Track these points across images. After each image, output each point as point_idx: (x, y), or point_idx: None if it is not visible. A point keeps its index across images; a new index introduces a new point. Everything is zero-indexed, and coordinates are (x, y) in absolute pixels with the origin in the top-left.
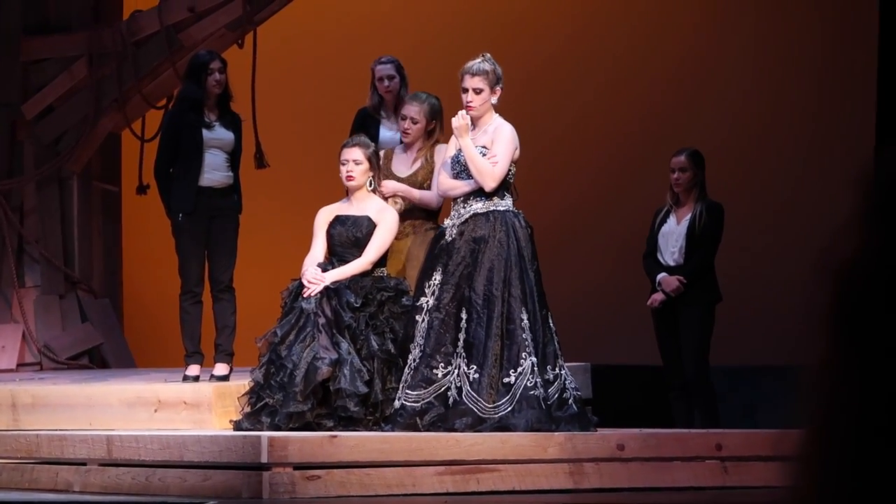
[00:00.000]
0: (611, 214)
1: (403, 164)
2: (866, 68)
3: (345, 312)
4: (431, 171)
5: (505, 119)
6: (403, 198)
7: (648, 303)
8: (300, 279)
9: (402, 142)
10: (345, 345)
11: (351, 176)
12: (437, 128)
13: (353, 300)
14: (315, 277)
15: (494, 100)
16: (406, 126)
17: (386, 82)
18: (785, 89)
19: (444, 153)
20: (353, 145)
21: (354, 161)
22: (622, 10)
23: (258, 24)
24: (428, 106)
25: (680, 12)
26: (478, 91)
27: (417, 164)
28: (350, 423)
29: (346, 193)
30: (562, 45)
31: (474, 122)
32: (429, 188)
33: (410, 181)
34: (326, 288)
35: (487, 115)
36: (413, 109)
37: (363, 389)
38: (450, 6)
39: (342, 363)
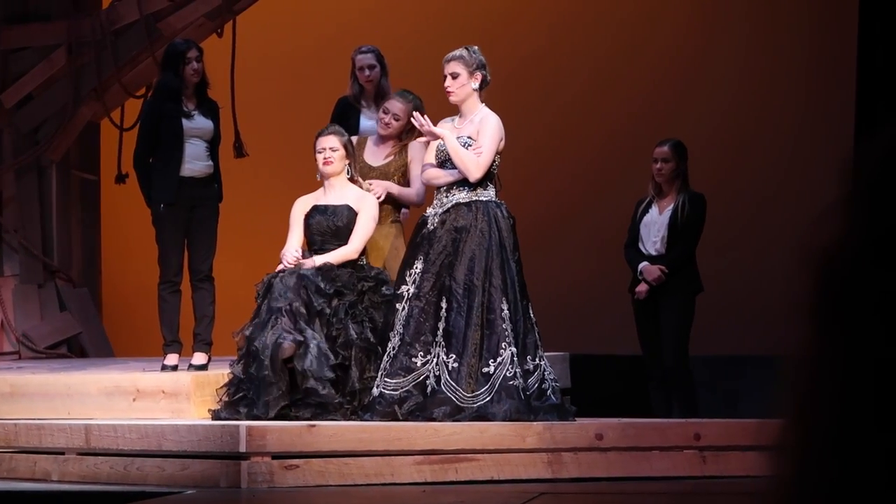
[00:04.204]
0: (592, 207)
1: (375, 155)
2: (847, 65)
3: (315, 299)
4: (403, 164)
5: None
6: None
7: (635, 294)
8: (273, 273)
9: (379, 134)
10: (309, 331)
11: (329, 160)
12: (413, 127)
13: (324, 286)
14: (292, 262)
15: (475, 84)
16: (388, 120)
17: (367, 71)
18: (769, 85)
19: (418, 150)
20: (329, 133)
21: (331, 148)
22: (609, 4)
23: (237, 14)
24: (413, 107)
25: (667, 7)
26: (455, 76)
27: (390, 158)
28: (324, 410)
29: (321, 184)
30: (547, 38)
31: (459, 109)
32: (399, 181)
33: (381, 171)
34: (298, 276)
35: (473, 104)
36: (398, 107)
37: (329, 374)
38: None
39: (306, 344)
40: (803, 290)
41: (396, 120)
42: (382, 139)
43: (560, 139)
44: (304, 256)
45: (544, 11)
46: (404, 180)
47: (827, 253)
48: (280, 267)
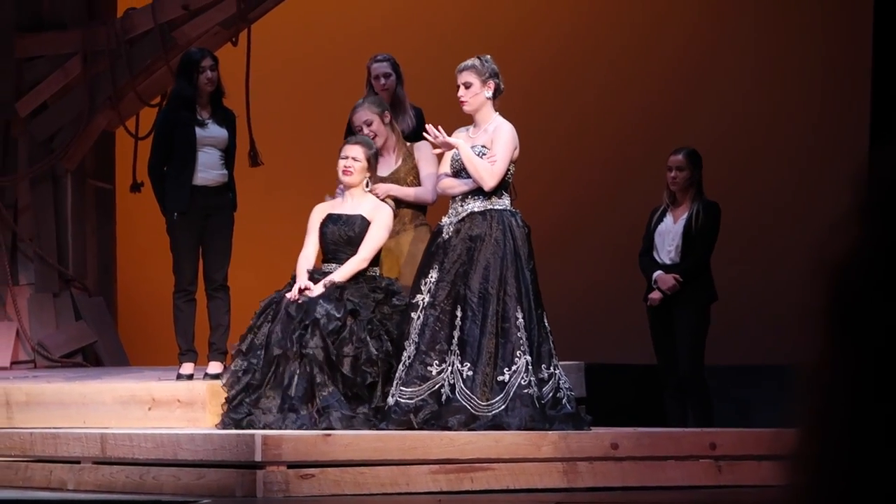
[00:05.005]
0: (607, 215)
1: (382, 165)
2: (862, 71)
3: (313, 338)
4: (413, 168)
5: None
6: (396, 198)
7: (648, 302)
8: (281, 292)
9: None
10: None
11: (348, 170)
12: (392, 117)
13: (329, 311)
14: (296, 294)
15: (488, 93)
16: (366, 132)
17: (382, 80)
18: (782, 91)
19: (425, 148)
20: (356, 143)
21: (354, 158)
22: (620, 12)
23: (252, 22)
24: (369, 103)
25: (678, 14)
26: (467, 85)
27: (399, 162)
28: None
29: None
30: (560, 47)
31: (473, 118)
32: (412, 184)
33: (393, 179)
34: (304, 312)
35: (486, 113)
36: (362, 115)
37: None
38: (447, 8)
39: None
40: (815, 301)
41: (369, 125)
42: (381, 149)
43: (574, 148)
44: (313, 277)
45: (558, 21)
46: (417, 182)
47: (839, 264)
48: (289, 295)
